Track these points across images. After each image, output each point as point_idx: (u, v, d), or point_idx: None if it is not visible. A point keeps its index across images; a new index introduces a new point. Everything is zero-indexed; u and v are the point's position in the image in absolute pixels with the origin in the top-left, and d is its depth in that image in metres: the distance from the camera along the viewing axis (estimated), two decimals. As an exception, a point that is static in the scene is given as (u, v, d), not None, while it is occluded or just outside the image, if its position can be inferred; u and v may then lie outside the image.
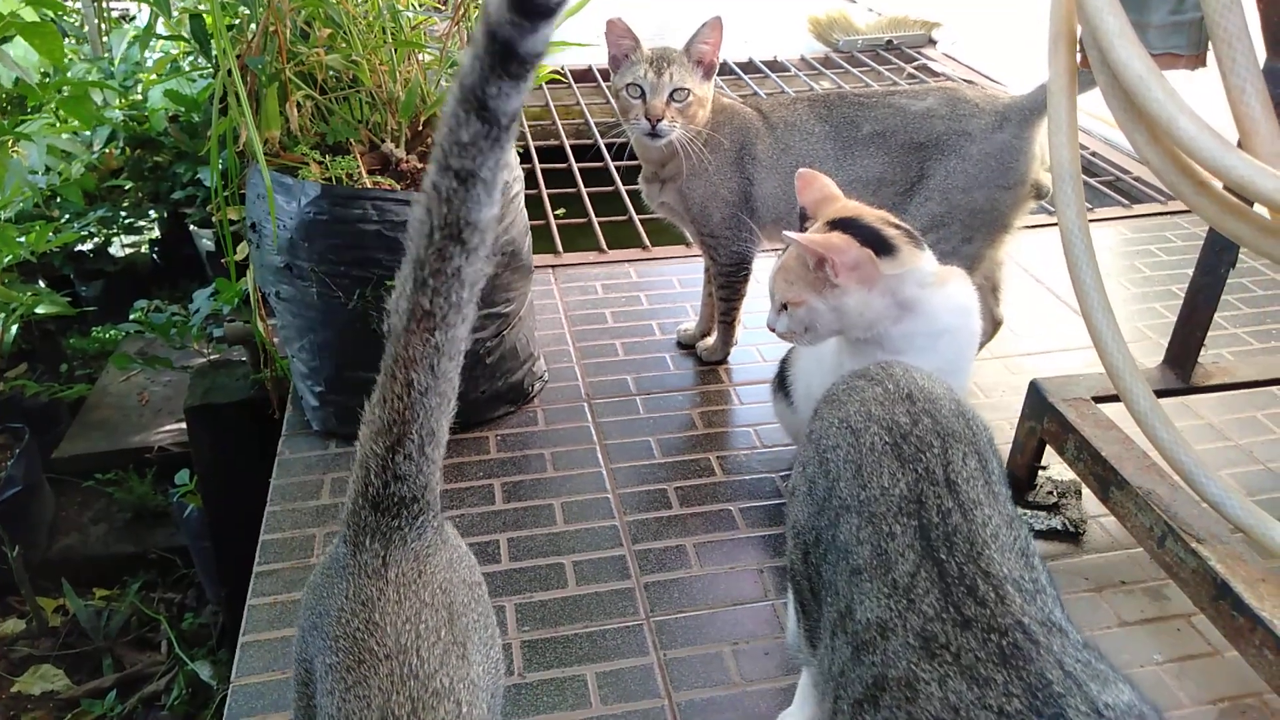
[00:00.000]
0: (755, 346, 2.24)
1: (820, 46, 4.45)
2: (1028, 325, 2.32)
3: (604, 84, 3.87)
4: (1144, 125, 1.17)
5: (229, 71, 1.62)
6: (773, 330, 1.47)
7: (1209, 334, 1.65)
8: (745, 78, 4.05)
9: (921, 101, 1.88)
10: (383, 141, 1.86)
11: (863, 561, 0.90)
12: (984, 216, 1.82)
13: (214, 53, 1.71)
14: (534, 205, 2.93)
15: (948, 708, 0.76)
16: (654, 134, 1.86)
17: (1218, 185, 1.13)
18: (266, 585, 1.57)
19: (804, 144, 1.91)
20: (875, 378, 1.07)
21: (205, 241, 3.38)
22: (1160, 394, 1.65)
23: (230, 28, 1.77)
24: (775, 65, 4.20)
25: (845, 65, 4.20)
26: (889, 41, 4.37)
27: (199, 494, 2.54)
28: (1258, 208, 1.12)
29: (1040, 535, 1.68)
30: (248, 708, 1.36)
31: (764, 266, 2.54)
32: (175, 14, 1.96)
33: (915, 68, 4.19)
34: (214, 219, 1.94)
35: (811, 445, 1.09)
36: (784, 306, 1.41)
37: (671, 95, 1.84)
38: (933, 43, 4.45)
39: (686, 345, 2.23)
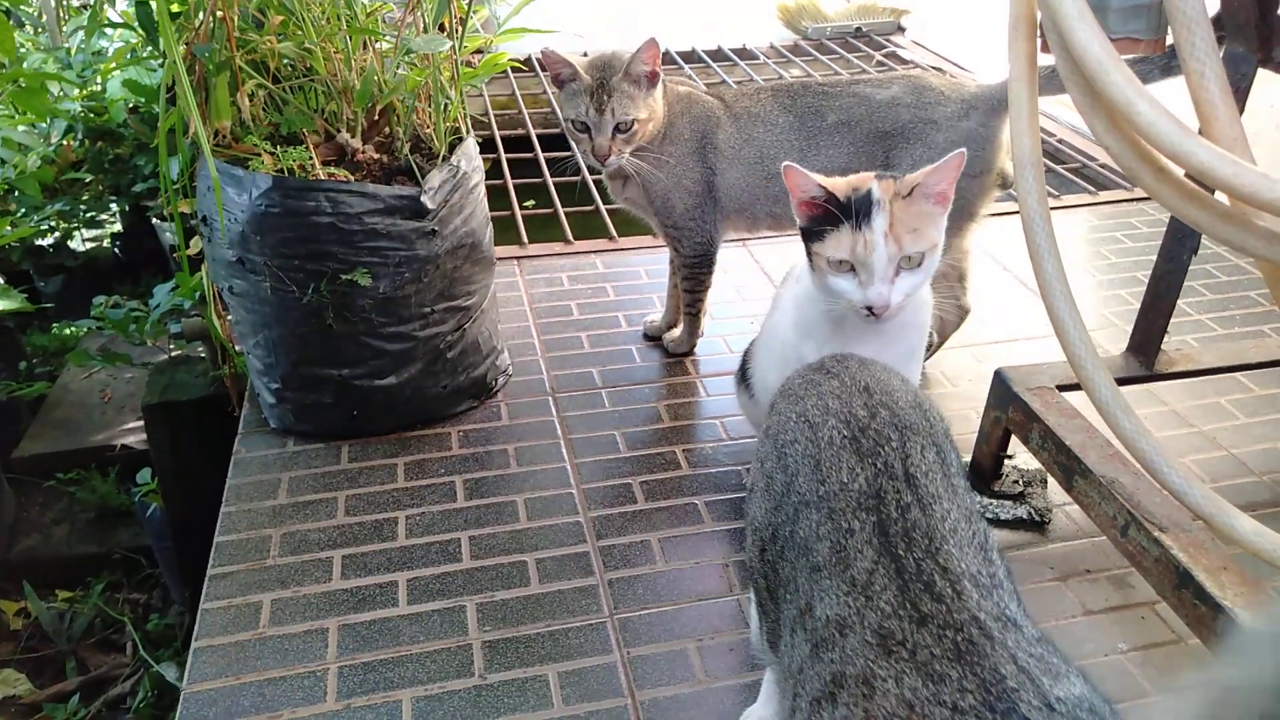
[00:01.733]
0: (723, 338, 2.22)
1: (789, 34, 4.42)
2: (995, 313, 2.31)
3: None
4: (1103, 110, 1.15)
5: (175, 60, 1.57)
6: (886, 308, 1.25)
7: (1174, 320, 1.65)
8: (714, 65, 4.02)
9: (886, 90, 1.86)
10: (338, 132, 1.82)
11: (822, 558, 0.89)
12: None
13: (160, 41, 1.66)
14: (500, 196, 2.89)
15: (903, 704, 0.76)
16: (604, 166, 1.85)
17: (1177, 171, 1.12)
18: (221, 588, 1.53)
19: (768, 134, 1.89)
20: (831, 371, 1.06)
21: (169, 235, 3.31)
22: (1124, 381, 1.65)
23: (178, 15, 1.72)
24: (744, 53, 4.17)
25: (814, 53, 4.18)
26: (858, 29, 4.35)
27: (160, 493, 2.49)
28: (1218, 194, 1.11)
29: (1006, 524, 1.68)
30: (200, 715, 1.32)
31: (729, 258, 2.54)
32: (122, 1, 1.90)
33: (884, 55, 4.18)
34: (166, 212, 1.89)
35: (769, 440, 1.07)
36: (898, 268, 1.24)
37: (616, 128, 1.80)
38: (901, 30, 4.44)
39: (653, 337, 2.20)
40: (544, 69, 1.80)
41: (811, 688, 0.83)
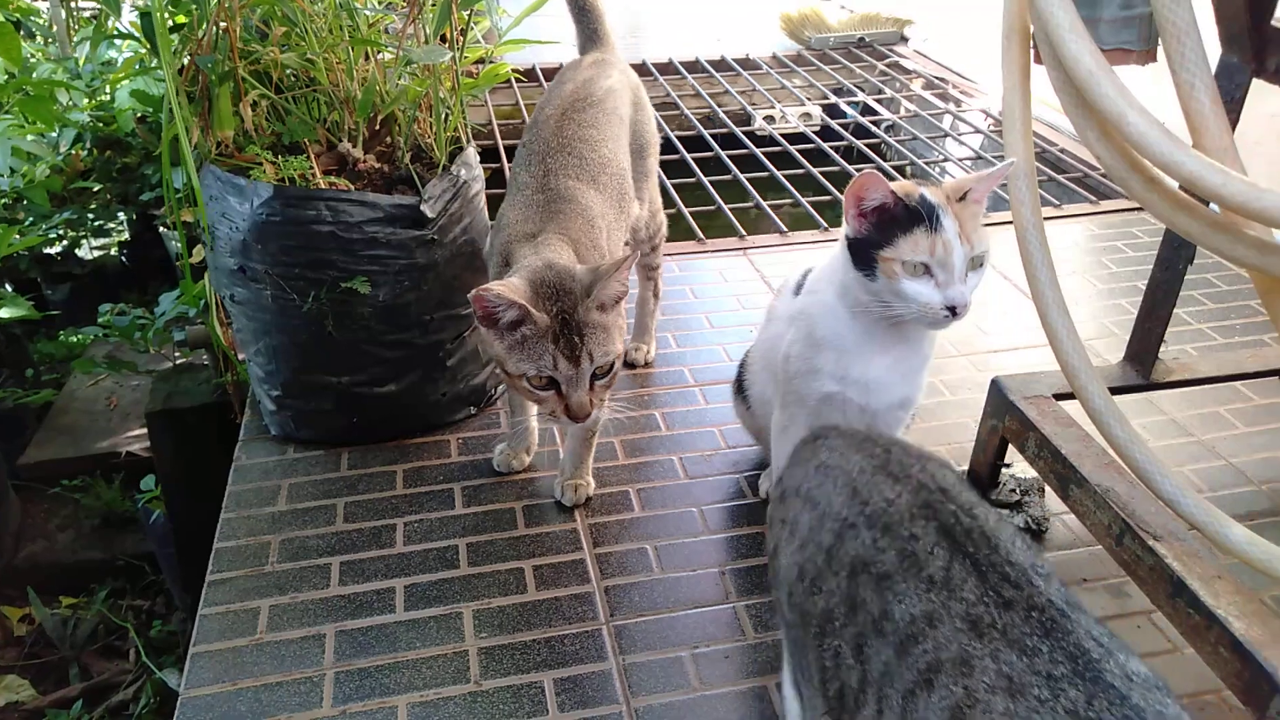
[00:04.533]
0: (721, 346, 2.23)
1: (793, 44, 4.44)
2: (995, 322, 2.32)
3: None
4: (1095, 121, 1.16)
5: (179, 70, 1.59)
6: (967, 307, 1.24)
7: (1174, 329, 1.65)
8: (717, 75, 4.04)
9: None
10: (340, 141, 1.84)
11: (890, 566, 0.95)
12: None
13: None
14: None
15: (1001, 677, 0.85)
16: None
17: (1169, 181, 1.13)
18: (219, 594, 1.54)
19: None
20: (823, 435, 1.11)
21: (175, 244, 3.33)
22: (1121, 390, 1.65)
23: (181, 26, 1.74)
24: (747, 63, 4.19)
25: (817, 63, 4.19)
26: (861, 39, 4.37)
27: (162, 500, 2.51)
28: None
29: (1003, 533, 1.67)
30: (197, 720, 1.33)
31: (729, 266, 2.55)
32: (129, 12, 1.93)
33: (887, 65, 4.20)
34: (169, 221, 1.91)
35: (785, 500, 1.11)
36: (974, 264, 1.25)
37: (594, 375, 1.36)
38: (904, 40, 4.46)
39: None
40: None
41: (903, 683, 0.90)
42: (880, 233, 1.24)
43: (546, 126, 1.62)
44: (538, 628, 1.49)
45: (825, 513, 1.04)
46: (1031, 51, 1.27)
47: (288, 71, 1.86)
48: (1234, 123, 1.34)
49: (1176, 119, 1.15)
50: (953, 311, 1.23)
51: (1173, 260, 1.55)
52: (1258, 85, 1.31)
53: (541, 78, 3.87)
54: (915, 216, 1.22)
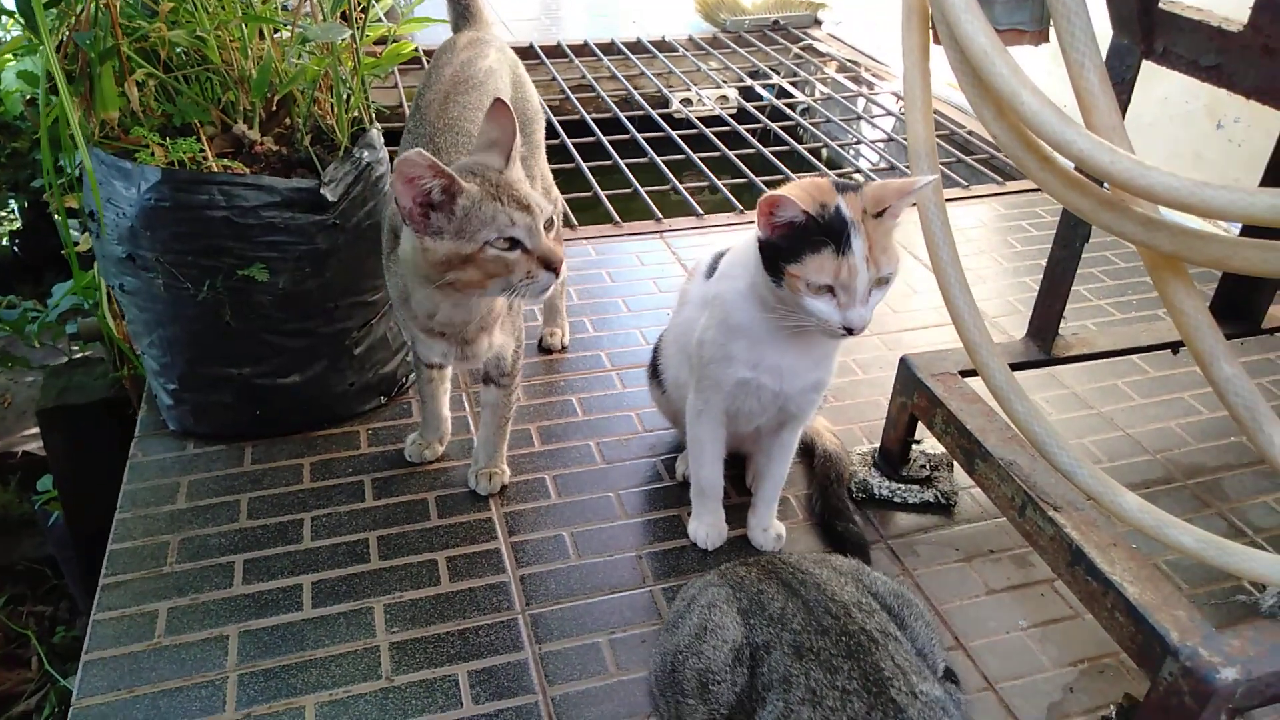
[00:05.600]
0: (639, 330, 2.22)
1: (708, 26, 4.44)
2: (905, 302, 2.35)
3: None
4: (990, 101, 1.18)
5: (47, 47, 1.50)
6: (864, 328, 1.24)
7: (1074, 306, 1.70)
8: (633, 58, 4.01)
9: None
10: (235, 123, 1.76)
11: (744, 606, 1.20)
12: None
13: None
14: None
15: (809, 690, 1.05)
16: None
17: (1063, 161, 1.15)
18: (114, 598, 1.47)
19: None
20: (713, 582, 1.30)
21: (73, 233, 3.17)
22: (1023, 365, 1.69)
23: (58, 1, 1.64)
24: (663, 45, 4.18)
25: (733, 45, 4.20)
26: (775, 22, 4.39)
27: (60, 501, 2.39)
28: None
29: (914, 508, 1.71)
30: (89, 731, 1.27)
31: (646, 249, 2.53)
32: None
33: (801, 49, 4.23)
34: (52, 208, 1.81)
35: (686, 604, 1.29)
36: (879, 283, 1.24)
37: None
38: (818, 23, 4.50)
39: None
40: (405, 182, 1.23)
41: (753, 700, 1.09)
42: (789, 245, 1.20)
43: (431, 110, 1.58)
44: (451, 620, 1.46)
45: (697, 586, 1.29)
46: (931, 31, 1.28)
47: (177, 50, 1.77)
48: (1125, 103, 1.38)
49: (1073, 102, 1.18)
50: (849, 331, 1.22)
51: (1070, 238, 1.59)
52: (1149, 69, 1.35)
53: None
54: (825, 235, 1.18)
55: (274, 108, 1.81)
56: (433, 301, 1.39)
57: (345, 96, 1.79)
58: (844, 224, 1.18)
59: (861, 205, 1.19)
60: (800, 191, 1.21)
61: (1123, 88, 1.37)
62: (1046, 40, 1.30)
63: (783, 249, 1.22)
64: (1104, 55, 1.16)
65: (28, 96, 2.60)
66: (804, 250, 1.19)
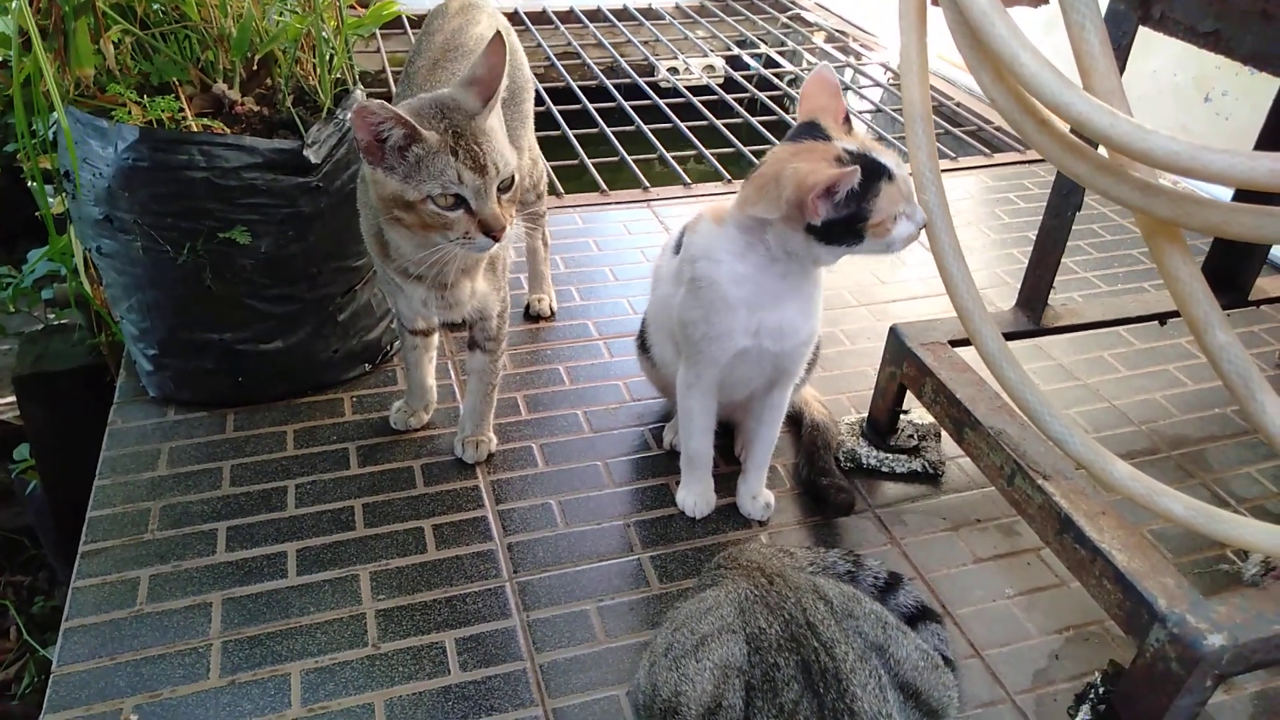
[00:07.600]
0: (625, 299, 2.20)
1: (697, -6, 4.38)
2: (893, 272, 2.35)
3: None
4: (988, 63, 1.16)
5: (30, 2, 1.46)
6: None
7: (1062, 278, 1.70)
8: (620, 25, 3.96)
9: None
10: (215, 82, 1.72)
11: (755, 680, 1.11)
12: None
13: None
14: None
15: None
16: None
17: (1060, 124, 1.14)
18: (94, 566, 1.45)
19: None
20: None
21: (50, 197, 3.10)
22: (1012, 336, 1.69)
23: (30, -47, 1.59)
24: (650, 13, 4.13)
25: (720, 14, 4.15)
26: (765, -10, 4.34)
27: (38, 470, 2.36)
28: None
29: (902, 478, 1.71)
30: (70, 699, 1.25)
31: (634, 219, 2.52)
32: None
33: (789, 18, 4.19)
34: (24, 169, 1.76)
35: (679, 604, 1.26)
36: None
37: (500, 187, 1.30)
38: (807, -8, 4.45)
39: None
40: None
41: None
42: (859, 205, 1.23)
43: (419, 76, 1.55)
44: (438, 587, 1.45)
45: (710, 609, 1.18)
46: (928, -7, 1.26)
47: (154, 6, 1.73)
48: (1121, 69, 1.37)
49: (1072, 69, 1.16)
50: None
51: (1061, 208, 1.59)
52: (1138, 42, 1.34)
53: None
54: (879, 171, 1.23)
55: (255, 67, 1.77)
56: (396, 236, 1.37)
57: (328, 56, 1.75)
58: (866, 158, 1.24)
59: (859, 138, 1.31)
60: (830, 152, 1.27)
61: (1119, 53, 1.36)
62: (1046, 3, 1.28)
63: (854, 214, 1.23)
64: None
65: (0, 59, 2.54)
66: (871, 200, 1.23)
